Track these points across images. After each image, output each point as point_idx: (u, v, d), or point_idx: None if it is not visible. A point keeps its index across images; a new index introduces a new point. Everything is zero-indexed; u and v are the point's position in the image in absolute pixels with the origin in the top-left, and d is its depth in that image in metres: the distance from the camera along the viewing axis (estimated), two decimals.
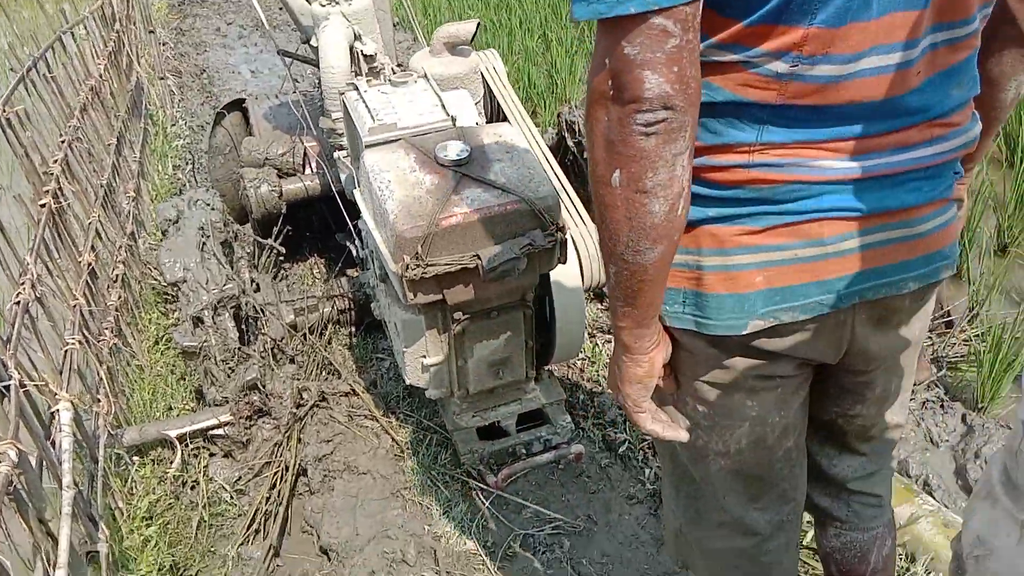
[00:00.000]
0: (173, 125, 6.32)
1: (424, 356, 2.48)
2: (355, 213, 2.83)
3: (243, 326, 3.04)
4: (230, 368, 2.89)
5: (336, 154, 2.98)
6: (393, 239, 2.14)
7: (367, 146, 2.48)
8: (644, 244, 1.08)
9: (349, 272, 3.83)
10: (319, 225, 3.98)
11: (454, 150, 2.27)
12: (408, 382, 2.55)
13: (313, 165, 3.69)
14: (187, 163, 5.52)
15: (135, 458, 2.80)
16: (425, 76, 2.74)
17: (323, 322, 3.39)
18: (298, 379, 3.10)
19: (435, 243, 2.15)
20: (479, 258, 2.17)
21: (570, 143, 3.52)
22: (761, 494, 1.46)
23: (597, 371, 3.06)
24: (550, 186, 2.25)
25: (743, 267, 1.19)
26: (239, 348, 2.89)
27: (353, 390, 3.08)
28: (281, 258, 3.77)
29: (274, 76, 6.93)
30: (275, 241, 3.53)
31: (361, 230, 2.78)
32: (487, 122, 3.17)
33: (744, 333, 1.21)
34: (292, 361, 3.21)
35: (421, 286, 2.19)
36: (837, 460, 1.58)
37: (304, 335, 3.32)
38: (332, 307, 3.40)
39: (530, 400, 2.70)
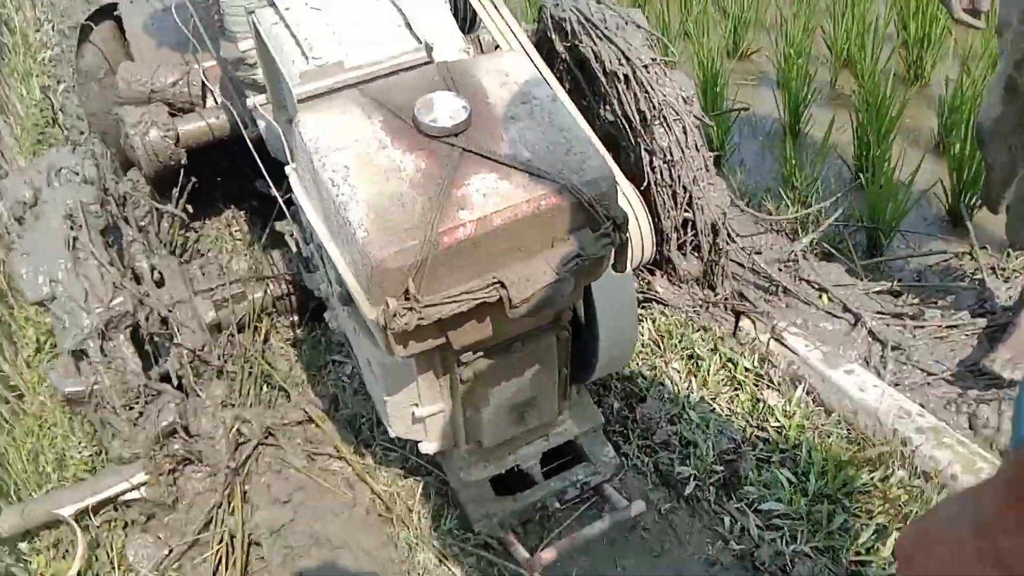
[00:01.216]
0: (37, 31, 5.13)
1: (415, 405, 1.72)
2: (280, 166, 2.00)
3: (147, 347, 2.20)
4: (137, 414, 2.07)
5: (250, 100, 2.07)
6: (366, 270, 1.33)
7: (301, 100, 1.60)
8: None
9: (280, 227, 2.96)
10: (231, 167, 3.06)
11: (446, 109, 1.43)
12: (393, 435, 1.79)
13: (216, 95, 2.74)
14: (59, 82, 4.44)
15: (22, 545, 2.03)
16: None
17: (255, 313, 2.56)
18: (231, 404, 2.29)
19: (435, 269, 1.35)
20: (503, 286, 1.37)
21: (559, 47, 2.64)
22: None
23: (634, 362, 2.32)
24: (599, 158, 1.44)
25: None
26: (145, 384, 2.07)
27: (308, 416, 2.29)
28: (188, 223, 2.88)
29: None
30: (177, 206, 2.64)
31: (299, 211, 1.92)
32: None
33: None
34: (220, 375, 2.39)
35: (414, 335, 1.40)
36: None
37: (232, 335, 2.49)
38: (265, 292, 2.56)
39: (559, 434, 1.97)
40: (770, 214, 2.96)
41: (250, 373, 2.42)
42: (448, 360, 1.62)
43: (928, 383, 2.30)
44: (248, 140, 2.26)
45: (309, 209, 1.54)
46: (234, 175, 3.05)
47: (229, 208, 3.20)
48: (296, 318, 2.63)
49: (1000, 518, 0.54)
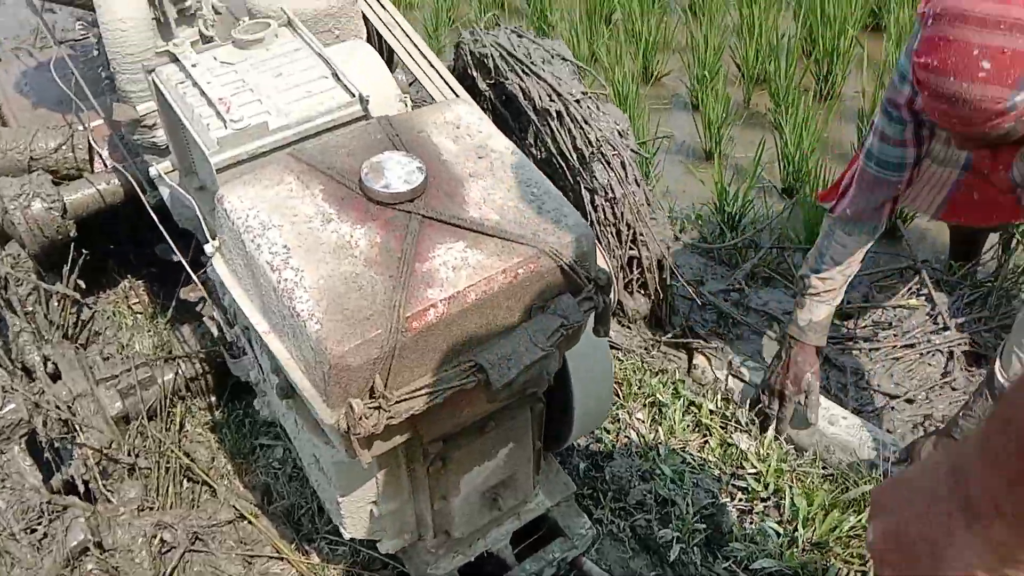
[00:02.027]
0: None
1: (374, 503, 1.51)
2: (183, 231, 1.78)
3: (46, 454, 1.91)
4: (41, 535, 1.78)
5: (153, 168, 1.82)
6: (322, 368, 1.13)
7: (220, 169, 1.39)
8: None
9: (184, 296, 2.69)
10: (127, 234, 2.77)
11: (399, 172, 1.25)
12: (348, 537, 1.58)
13: (106, 158, 2.47)
14: None
15: None
16: (289, 23, 1.63)
17: (167, 399, 2.28)
18: (149, 508, 2.02)
19: (403, 358, 1.16)
20: (481, 370, 1.20)
21: (482, 85, 2.50)
22: None
23: None
24: (575, 213, 1.28)
25: None
26: (47, 501, 1.78)
27: (240, 513, 2.04)
28: (81, 301, 2.58)
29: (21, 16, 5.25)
30: (67, 283, 2.35)
31: (223, 293, 1.70)
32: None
33: None
34: (133, 473, 2.12)
35: (380, 434, 1.20)
36: None
37: (142, 426, 2.22)
38: (176, 374, 2.29)
39: (531, 510, 1.79)
40: (705, 241, 2.88)
41: (167, 468, 2.15)
42: (413, 450, 1.42)
43: (892, 407, 2.24)
44: (148, 205, 2.01)
45: (240, 296, 1.33)
46: (130, 243, 2.77)
47: (125, 278, 2.89)
48: (214, 399, 2.37)
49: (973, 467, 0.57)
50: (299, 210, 1.25)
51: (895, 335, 2.38)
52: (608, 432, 2.10)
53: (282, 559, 1.95)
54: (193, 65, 1.49)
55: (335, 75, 1.52)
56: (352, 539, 1.89)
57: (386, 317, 1.13)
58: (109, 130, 2.43)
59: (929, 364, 2.30)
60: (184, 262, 1.95)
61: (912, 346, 2.33)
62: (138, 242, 2.73)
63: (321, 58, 1.55)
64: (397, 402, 1.16)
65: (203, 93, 1.45)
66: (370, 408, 1.14)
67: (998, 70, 1.28)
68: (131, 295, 2.86)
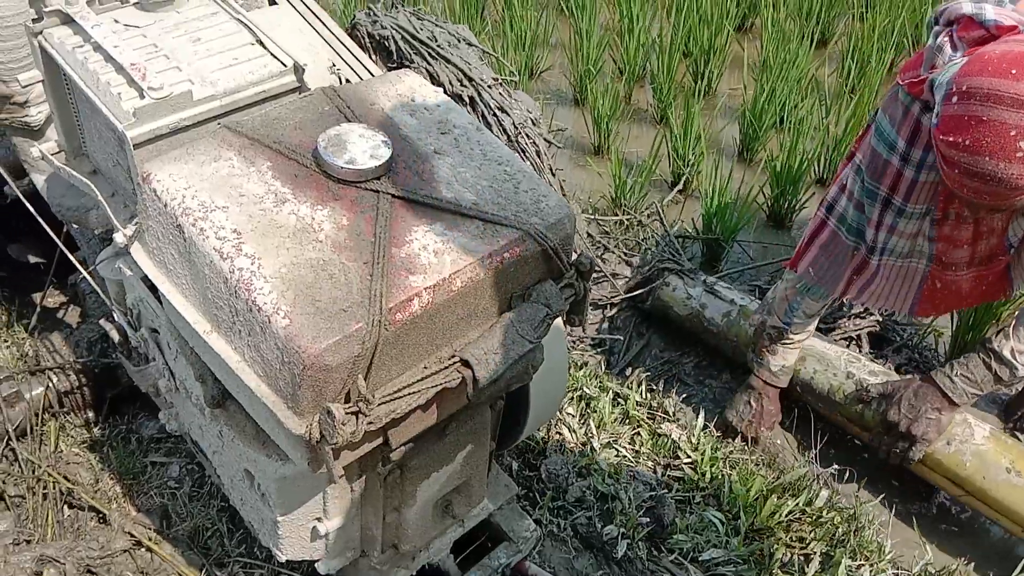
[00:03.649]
0: None
1: (319, 520, 1.36)
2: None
3: None
4: None
5: (35, 148, 1.56)
6: (292, 370, 0.98)
7: (138, 144, 1.20)
8: None
9: (47, 303, 2.38)
10: None
11: (363, 147, 1.11)
12: (283, 559, 1.41)
13: None
14: None
15: None
16: None
17: (38, 416, 2.01)
18: (26, 541, 1.76)
19: (383, 355, 1.03)
20: (467, 365, 1.08)
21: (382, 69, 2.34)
22: None
23: None
24: (555, 193, 1.19)
25: None
26: None
27: (136, 540, 1.81)
28: None
29: None
30: None
31: (130, 289, 1.48)
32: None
33: None
34: (2, 502, 1.84)
35: (353, 445, 1.06)
36: None
37: (10, 448, 1.94)
38: (47, 388, 2.02)
39: (474, 515, 1.68)
40: (605, 234, 2.86)
41: (44, 495, 1.88)
42: (369, 458, 1.28)
43: None
44: (16, 188, 1.75)
45: (170, 291, 1.14)
46: None
47: None
48: (91, 415, 2.10)
49: None
50: (246, 189, 1.09)
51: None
52: (538, 429, 2.02)
53: None
54: (93, 25, 1.28)
55: (259, 42, 1.35)
56: (261, 551, 1.72)
57: (366, 309, 1.00)
58: None
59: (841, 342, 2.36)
60: (106, 326, 1.67)
61: (823, 331, 2.39)
62: None
63: (243, 23, 1.37)
64: (379, 405, 1.02)
65: (110, 58, 1.25)
66: (349, 413, 1.00)
67: None
68: None
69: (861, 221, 1.74)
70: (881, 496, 1.97)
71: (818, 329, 2.37)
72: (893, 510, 1.91)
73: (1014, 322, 1.77)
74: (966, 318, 2.27)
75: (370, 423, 1.02)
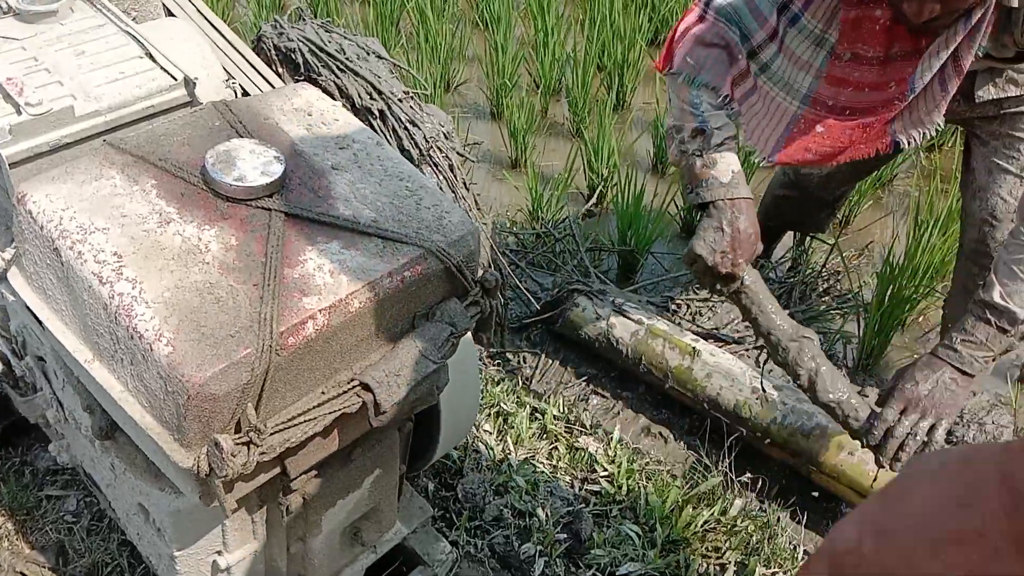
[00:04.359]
0: None
1: (219, 554, 1.30)
2: None
3: None
4: None
5: None
6: (176, 400, 0.93)
7: (15, 164, 1.13)
8: None
9: None
10: None
11: (253, 163, 1.07)
12: None
13: None
14: None
15: None
16: None
17: None
18: None
19: (276, 381, 0.98)
20: (368, 389, 1.05)
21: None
22: None
23: None
24: (458, 210, 1.17)
25: None
26: None
27: None
28: None
29: None
30: None
31: (10, 311, 1.39)
32: None
33: None
34: None
35: (247, 476, 1.01)
36: None
37: None
38: None
39: (387, 540, 1.63)
40: (523, 247, 2.85)
41: None
42: (269, 488, 1.23)
43: None
44: None
45: (49, 318, 1.08)
46: None
47: None
48: None
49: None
50: (128, 210, 1.03)
51: (716, 329, 2.46)
52: (456, 448, 1.98)
53: None
54: None
55: (150, 55, 1.30)
56: None
57: (255, 333, 0.95)
58: None
59: (748, 358, 2.39)
60: None
61: (734, 342, 2.42)
62: None
63: (132, 36, 1.31)
64: (272, 434, 0.98)
65: None
66: (239, 444, 0.95)
67: None
68: None
69: (749, 21, 1.56)
70: (792, 503, 1.99)
71: (723, 341, 2.40)
72: (805, 517, 1.94)
73: (993, 268, 1.61)
74: (872, 324, 2.33)
75: (263, 453, 0.97)
